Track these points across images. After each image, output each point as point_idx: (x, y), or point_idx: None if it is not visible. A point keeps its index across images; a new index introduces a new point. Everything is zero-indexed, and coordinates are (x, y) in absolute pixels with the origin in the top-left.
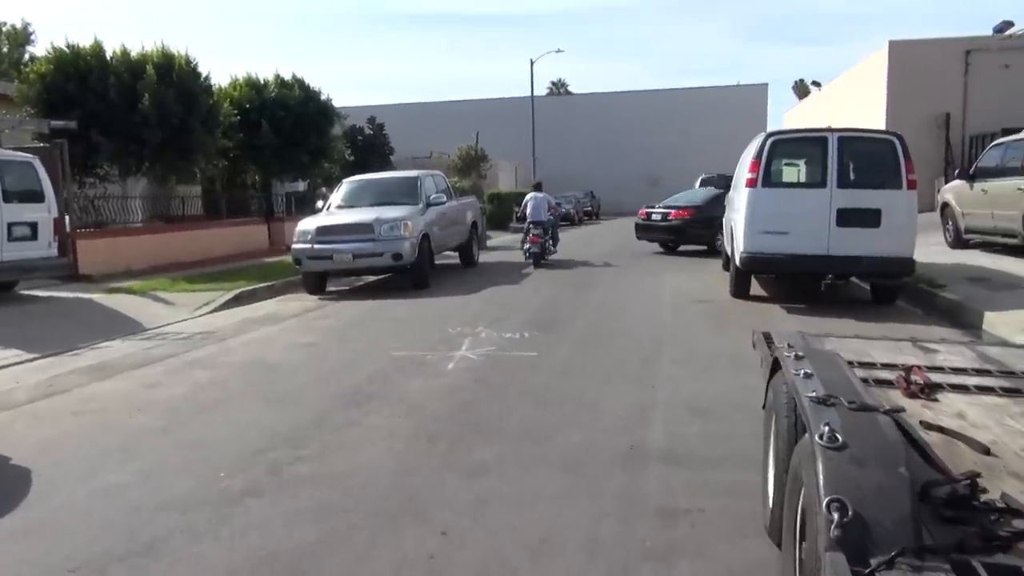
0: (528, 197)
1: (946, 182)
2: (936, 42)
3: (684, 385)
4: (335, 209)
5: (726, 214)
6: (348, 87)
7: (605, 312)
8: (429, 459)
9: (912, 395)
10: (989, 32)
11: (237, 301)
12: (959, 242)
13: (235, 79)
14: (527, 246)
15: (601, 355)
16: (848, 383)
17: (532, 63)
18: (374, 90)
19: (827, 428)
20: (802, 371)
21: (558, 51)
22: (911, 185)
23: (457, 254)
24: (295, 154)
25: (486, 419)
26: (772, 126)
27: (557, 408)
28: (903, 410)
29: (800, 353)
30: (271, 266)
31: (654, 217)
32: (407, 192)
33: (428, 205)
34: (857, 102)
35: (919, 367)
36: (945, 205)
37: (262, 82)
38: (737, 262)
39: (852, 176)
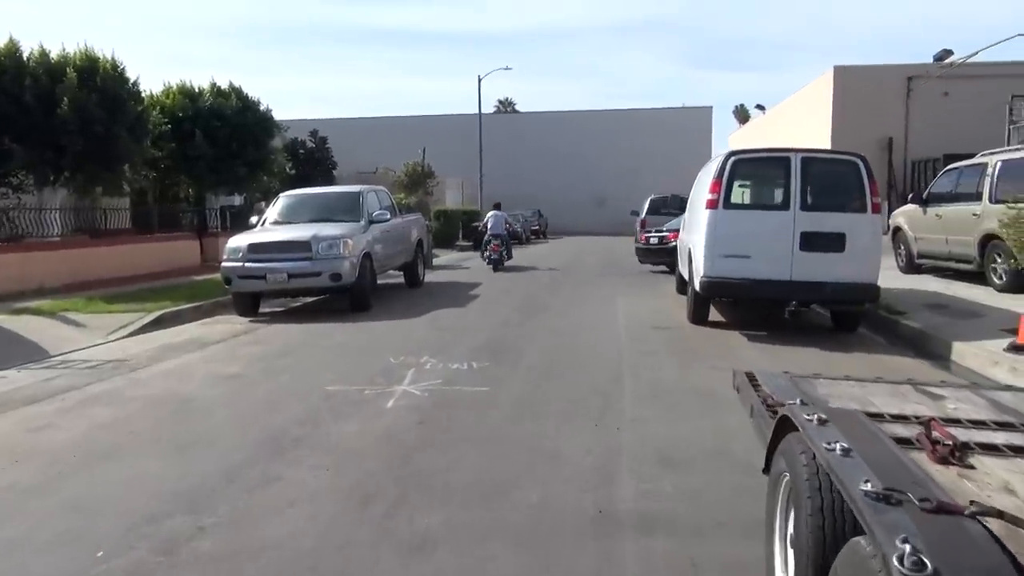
0: (489, 214)
1: (889, 206)
2: (880, 68)
3: (652, 428)
4: (270, 225)
5: (681, 235)
6: (297, 101)
7: (560, 339)
8: (362, 528)
9: (942, 460)
10: (930, 60)
11: (158, 324)
12: (911, 267)
13: (168, 86)
14: (488, 254)
15: (558, 390)
16: (900, 464)
17: (480, 80)
18: (323, 105)
19: (907, 548)
20: (836, 445)
21: (506, 68)
22: (875, 208)
23: (402, 274)
24: (231, 166)
25: (431, 473)
26: (716, 148)
27: (512, 458)
28: (997, 513)
29: (823, 416)
30: (201, 285)
31: (652, 241)
32: (348, 208)
33: (370, 222)
34: (802, 125)
35: (936, 420)
36: (897, 229)
37: (197, 90)
38: (696, 287)
39: (816, 198)
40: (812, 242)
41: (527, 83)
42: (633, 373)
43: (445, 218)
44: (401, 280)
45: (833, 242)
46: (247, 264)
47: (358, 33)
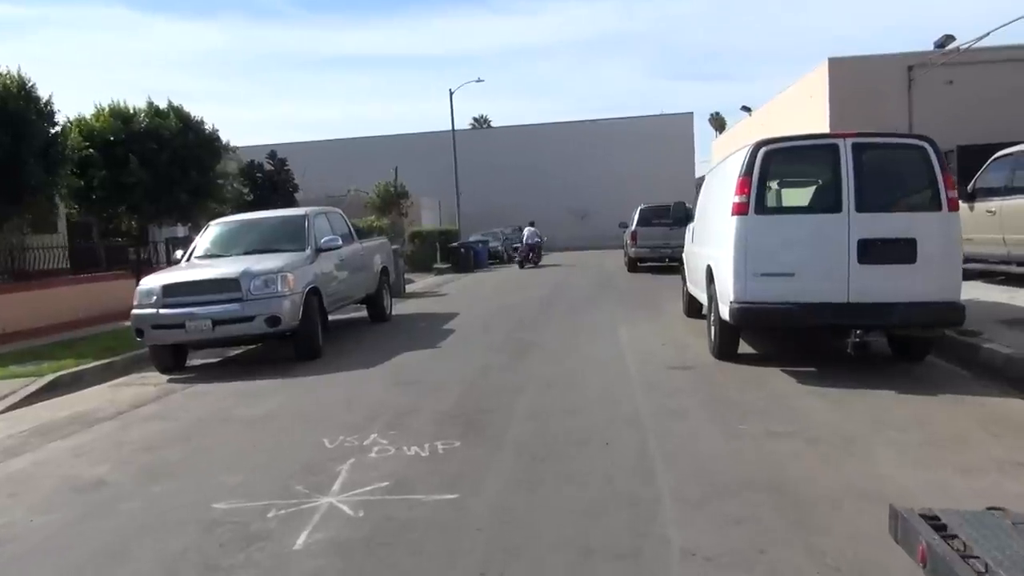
0: (526, 229)
1: None
2: (877, 59)
3: (721, 571)
4: (197, 260)
5: (690, 248)
6: (266, 129)
7: (555, 393)
8: None
9: None
10: (931, 48)
11: (51, 390)
12: None
13: (100, 108)
14: (519, 258)
15: (561, 491)
16: None
17: (451, 93)
18: (293, 132)
19: None
20: None
21: (478, 80)
22: (952, 205)
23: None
24: (172, 194)
25: None
26: (700, 156)
27: None
28: None
29: None
30: (126, 333)
31: None
32: (291, 235)
33: (318, 251)
34: (796, 124)
35: None
36: None
37: (131, 111)
38: (724, 315)
39: (875, 195)
40: (873, 252)
41: (501, 101)
42: (663, 451)
43: (421, 240)
44: (365, 314)
45: (901, 250)
46: (162, 311)
47: (323, 60)
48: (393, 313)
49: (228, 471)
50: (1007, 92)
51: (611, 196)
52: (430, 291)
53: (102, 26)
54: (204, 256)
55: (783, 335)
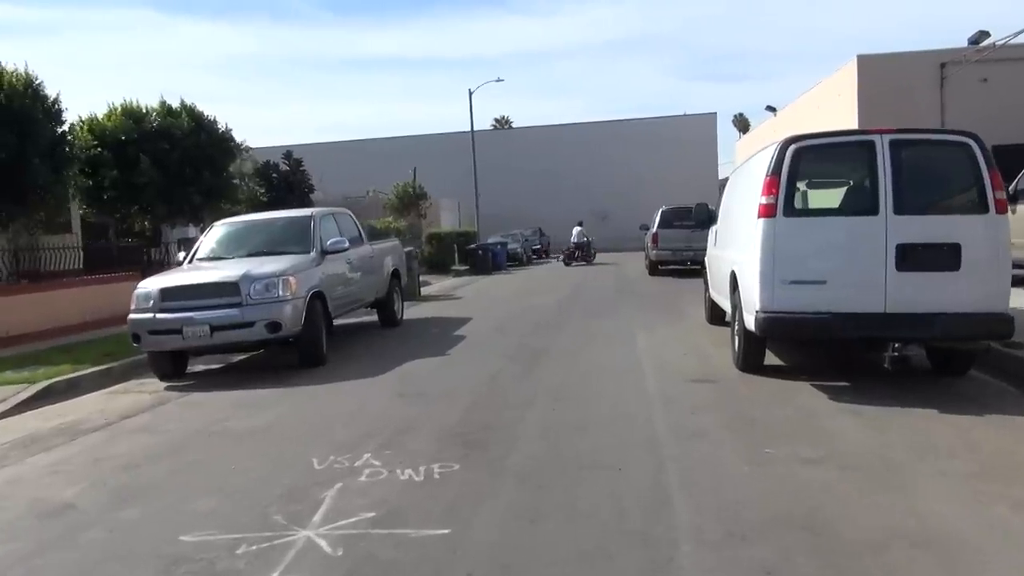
0: (574, 229)
1: None
2: (908, 55)
3: None
4: (199, 262)
5: (712, 252)
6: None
7: (566, 408)
8: None
9: None
10: (964, 44)
11: (44, 398)
12: None
13: (112, 107)
14: (564, 258)
15: (564, 528)
16: None
17: (471, 93)
18: (316, 133)
19: None
20: None
21: (498, 80)
22: (1000, 207)
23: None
24: (184, 194)
25: None
26: (723, 157)
27: None
28: None
29: None
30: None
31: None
32: (296, 237)
33: (324, 253)
34: (823, 124)
35: None
36: None
37: (144, 110)
38: (749, 324)
39: (915, 196)
40: (914, 257)
41: (523, 103)
42: (681, 479)
43: (438, 241)
44: (376, 318)
45: (943, 256)
46: (159, 315)
47: (346, 62)
48: (405, 317)
49: (205, 494)
50: None
51: (632, 198)
52: (445, 294)
53: (129, 28)
54: (207, 258)
55: (812, 346)
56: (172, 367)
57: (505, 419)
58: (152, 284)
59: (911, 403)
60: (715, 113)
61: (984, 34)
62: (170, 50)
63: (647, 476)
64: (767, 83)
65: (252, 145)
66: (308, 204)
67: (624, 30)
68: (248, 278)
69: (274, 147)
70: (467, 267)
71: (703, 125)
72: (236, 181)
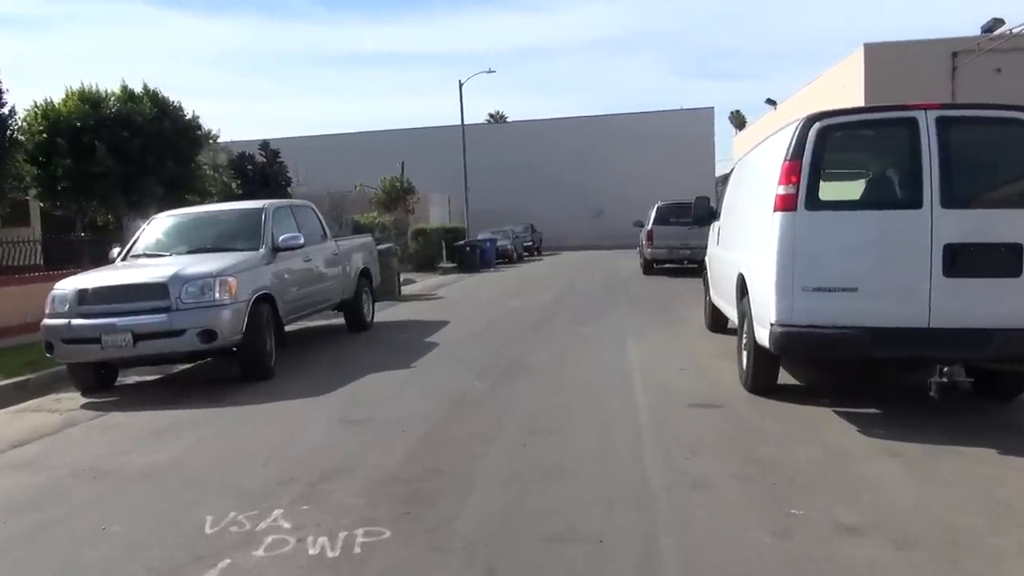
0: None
1: None
2: (918, 44)
3: None
4: (134, 259)
5: (715, 253)
6: (281, 126)
7: (538, 444)
8: None
9: None
10: (977, 32)
11: None
12: None
13: (69, 91)
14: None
15: None
16: None
17: (461, 84)
18: (309, 128)
19: None
20: None
21: (489, 71)
22: None
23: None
24: (145, 185)
25: None
26: (720, 153)
27: None
28: None
29: None
30: None
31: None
32: (245, 233)
33: (276, 250)
34: None
35: None
36: None
37: (103, 94)
38: (762, 339)
39: (967, 187)
40: (964, 261)
41: (517, 98)
42: (680, 558)
43: (424, 237)
44: (342, 321)
45: (1001, 259)
46: (75, 321)
47: (340, 57)
48: (378, 319)
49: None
50: None
51: (627, 194)
52: (427, 293)
53: (123, 22)
54: (143, 255)
55: (832, 363)
56: (96, 380)
57: (462, 459)
58: (69, 285)
59: (960, 439)
60: (712, 107)
61: (998, 22)
62: (161, 45)
63: (634, 554)
64: (764, 81)
65: (240, 138)
66: (285, 197)
67: (620, 27)
68: (178, 279)
69: (262, 140)
70: (454, 264)
71: (700, 120)
72: (208, 172)
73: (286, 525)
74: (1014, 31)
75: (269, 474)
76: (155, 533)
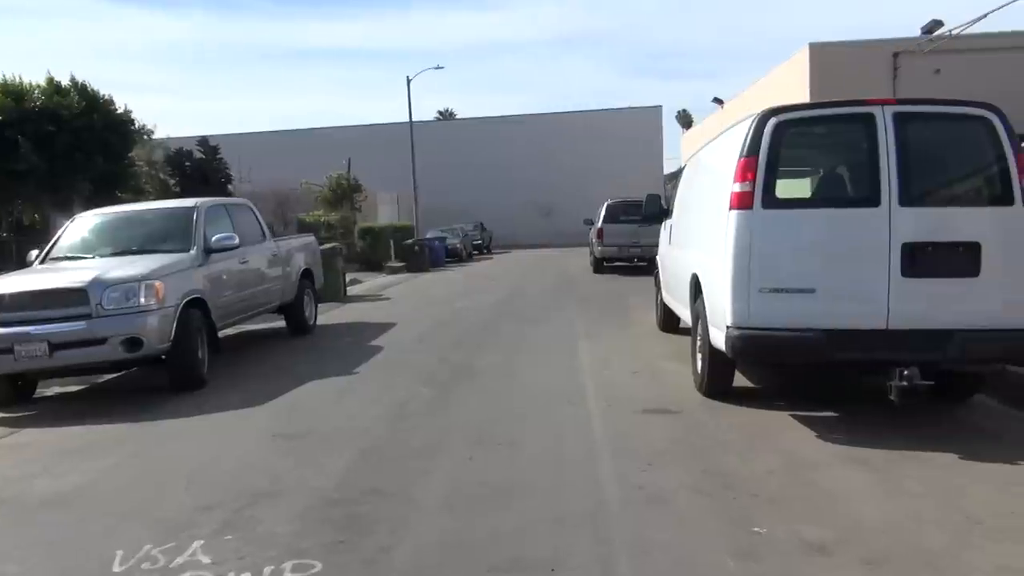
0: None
1: None
2: (861, 44)
3: None
4: (53, 262)
5: (667, 252)
6: (227, 122)
7: (484, 459)
8: None
9: None
10: (917, 33)
11: None
12: None
13: None
14: None
15: None
16: None
17: (409, 80)
18: (256, 125)
19: None
20: None
21: (438, 67)
22: None
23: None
24: (72, 182)
25: None
26: (668, 151)
27: None
28: None
29: None
30: None
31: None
32: (174, 233)
33: (208, 251)
34: None
35: None
36: None
37: (27, 87)
38: (717, 342)
39: (925, 184)
40: (923, 260)
41: (468, 97)
42: None
43: (372, 236)
44: (284, 324)
45: (960, 258)
46: None
47: (288, 53)
48: (321, 322)
49: None
50: (998, 84)
51: (577, 192)
52: (374, 294)
53: (63, 14)
54: (64, 257)
55: (788, 365)
56: (12, 392)
57: (404, 477)
58: None
59: (921, 443)
60: (660, 106)
61: (937, 23)
62: (99, 37)
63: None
64: (711, 80)
65: (184, 135)
66: (224, 195)
67: (570, 25)
68: (99, 284)
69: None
70: (403, 264)
71: (648, 118)
72: (144, 169)
73: (205, 560)
74: (953, 32)
75: (191, 499)
76: (55, 571)
